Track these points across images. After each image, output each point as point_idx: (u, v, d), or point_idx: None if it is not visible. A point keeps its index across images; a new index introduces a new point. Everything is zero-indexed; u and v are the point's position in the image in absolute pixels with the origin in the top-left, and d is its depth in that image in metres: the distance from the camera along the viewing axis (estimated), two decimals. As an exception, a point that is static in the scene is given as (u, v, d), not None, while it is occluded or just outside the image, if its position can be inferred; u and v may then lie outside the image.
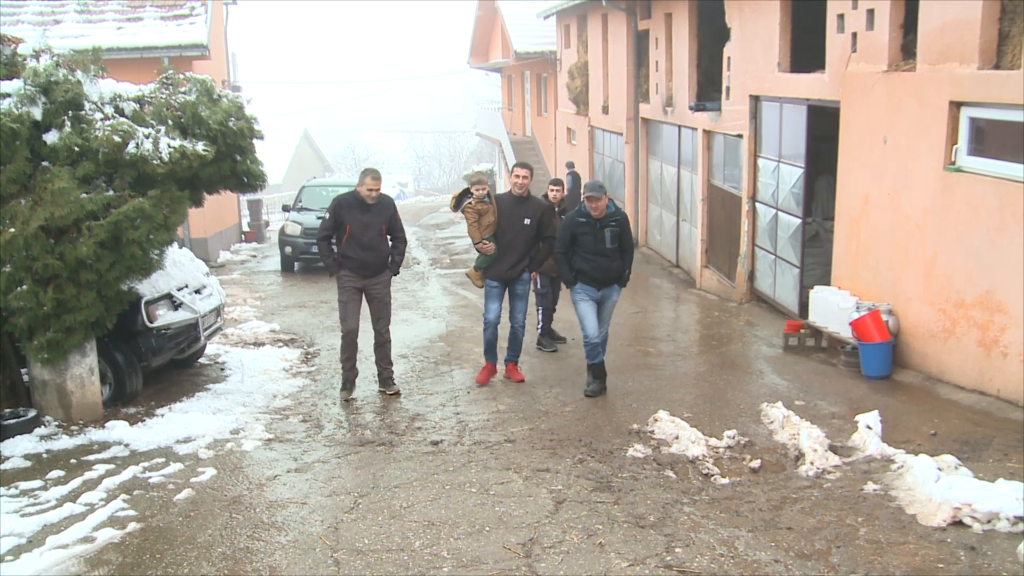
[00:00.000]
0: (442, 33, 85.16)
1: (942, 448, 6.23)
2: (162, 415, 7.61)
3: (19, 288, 6.86)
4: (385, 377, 8.37)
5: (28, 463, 6.55)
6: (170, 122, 7.62)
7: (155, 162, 7.27)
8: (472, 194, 8.40)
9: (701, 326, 11.95)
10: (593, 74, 21.81)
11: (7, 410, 7.25)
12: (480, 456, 6.37)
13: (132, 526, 5.26)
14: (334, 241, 8.22)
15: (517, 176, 8.45)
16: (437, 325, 11.70)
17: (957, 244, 8.01)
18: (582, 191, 7.70)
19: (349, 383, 8.29)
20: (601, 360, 8.18)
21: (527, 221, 8.32)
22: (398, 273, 8.49)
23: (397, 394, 8.23)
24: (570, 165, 23.01)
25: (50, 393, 7.37)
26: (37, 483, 6.11)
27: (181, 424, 7.29)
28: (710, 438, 6.51)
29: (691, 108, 15.01)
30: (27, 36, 7.99)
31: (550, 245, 8.44)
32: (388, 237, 8.28)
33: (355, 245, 7.99)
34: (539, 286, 9.98)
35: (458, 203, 8.51)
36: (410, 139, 65.35)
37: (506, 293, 8.55)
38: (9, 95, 7.03)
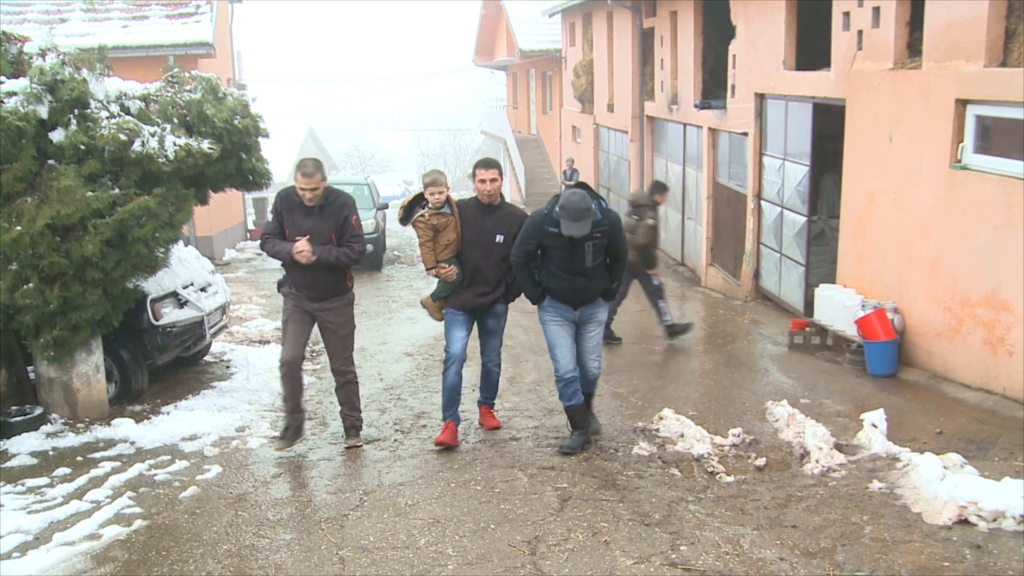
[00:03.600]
0: (447, 31, 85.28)
1: (948, 446, 6.22)
2: (168, 413, 7.62)
3: (25, 286, 6.88)
4: (349, 426, 6.66)
5: (34, 460, 6.57)
6: (175, 120, 7.64)
7: (161, 160, 7.29)
8: (426, 201, 6.38)
9: (706, 324, 11.93)
10: (598, 72, 21.80)
11: (13, 408, 7.27)
12: (485, 454, 6.37)
13: (138, 523, 5.27)
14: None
15: (482, 181, 6.34)
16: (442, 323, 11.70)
17: (963, 242, 7.99)
18: (558, 203, 5.95)
19: (291, 430, 6.50)
20: (580, 401, 6.32)
21: (500, 238, 6.34)
22: (322, 256, 6.24)
23: (357, 447, 6.59)
24: (570, 161, 23.01)
25: (56, 391, 7.39)
26: (43, 480, 6.13)
27: (187, 422, 7.31)
28: (715, 436, 6.50)
29: (696, 106, 15.00)
30: (33, 35, 8.00)
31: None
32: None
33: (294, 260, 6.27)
34: (656, 281, 10.01)
35: (408, 214, 6.46)
36: (415, 137, 65.38)
37: (475, 326, 6.69)
38: (15, 93, 7.05)
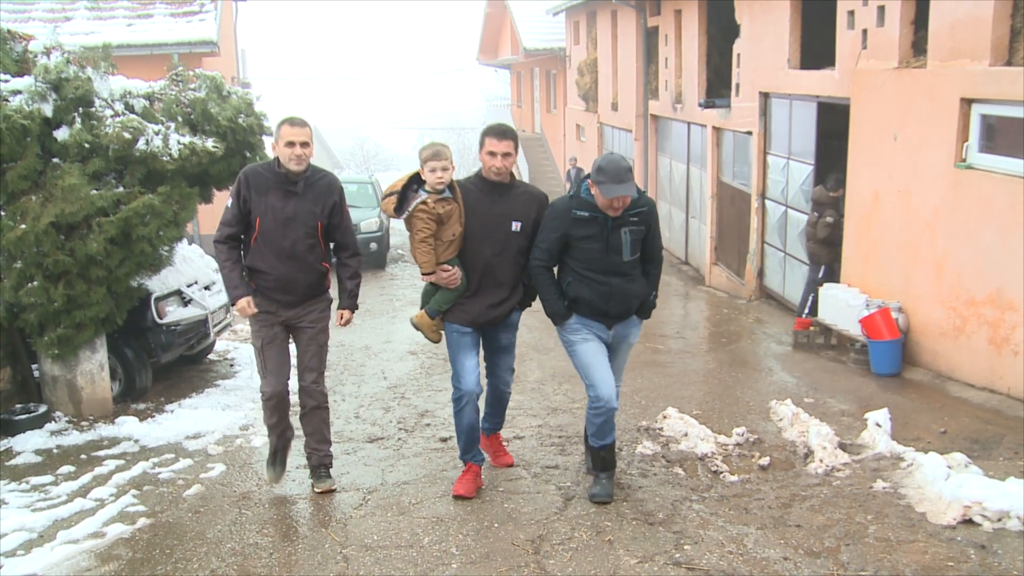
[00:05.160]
0: (451, 30, 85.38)
1: (952, 446, 6.21)
2: (172, 411, 7.63)
3: (30, 284, 6.89)
4: (316, 463, 5.56)
5: (39, 458, 6.58)
6: (180, 119, 7.65)
7: (165, 158, 7.29)
8: (424, 185, 4.99)
9: (710, 323, 11.93)
10: (602, 71, 21.78)
11: (18, 405, 7.29)
12: (489, 453, 6.36)
13: (142, 521, 5.27)
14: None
15: (492, 153, 4.96)
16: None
17: (967, 241, 7.97)
18: (591, 171, 4.91)
19: (279, 453, 5.62)
20: (613, 440, 5.26)
21: (516, 226, 5.05)
22: (356, 307, 5.49)
23: (330, 491, 5.52)
24: (573, 160, 22.96)
25: (60, 389, 7.40)
26: (48, 478, 6.14)
27: (191, 420, 7.32)
28: (719, 435, 6.49)
29: (700, 105, 14.99)
30: (38, 33, 8.02)
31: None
32: (326, 246, 5.30)
33: (267, 251, 5.10)
34: (820, 274, 10.35)
35: (402, 203, 5.02)
36: (419, 136, 65.35)
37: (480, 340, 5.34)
38: (20, 92, 7.06)
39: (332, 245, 5.39)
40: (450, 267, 5.04)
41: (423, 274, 5.06)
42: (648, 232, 5.03)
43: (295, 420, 5.65)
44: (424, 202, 4.92)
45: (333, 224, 5.25)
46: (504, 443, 6.01)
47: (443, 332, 5.26)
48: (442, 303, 5.13)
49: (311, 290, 5.25)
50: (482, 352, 5.43)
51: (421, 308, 5.28)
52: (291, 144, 4.98)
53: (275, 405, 5.39)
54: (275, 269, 5.11)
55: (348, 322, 5.44)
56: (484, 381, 5.51)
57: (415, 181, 5.03)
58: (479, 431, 5.43)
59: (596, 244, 4.91)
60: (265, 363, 5.32)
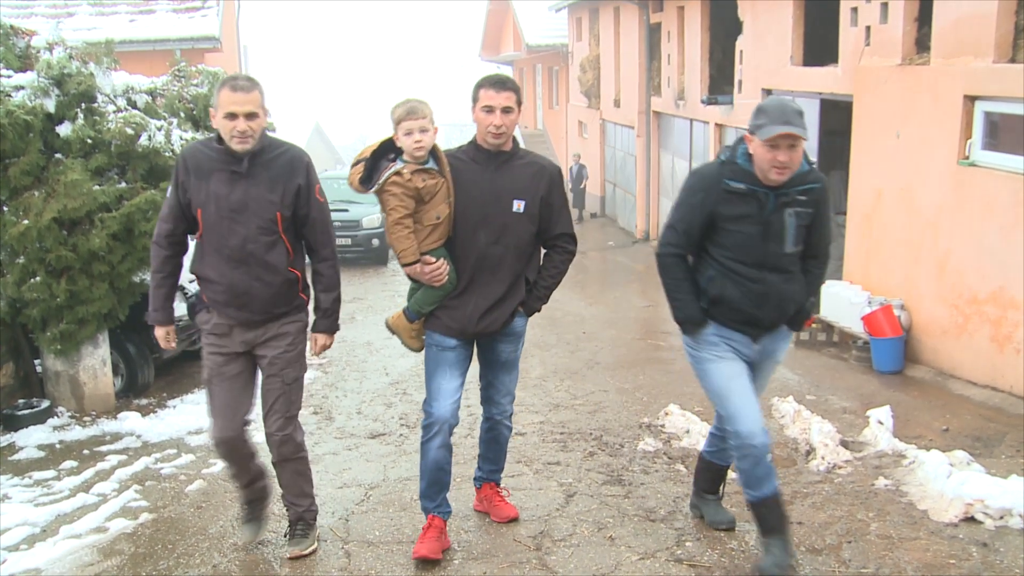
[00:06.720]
0: (454, 26, 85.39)
1: (954, 444, 6.21)
2: (174, 406, 7.65)
3: (32, 280, 6.90)
4: (294, 518, 4.44)
5: (42, 453, 6.59)
6: (182, 114, 7.66)
7: (167, 154, 7.30)
8: (401, 153, 3.95)
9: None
10: (605, 67, 21.77)
11: (20, 401, 7.30)
12: (490, 449, 6.35)
13: (144, 516, 5.28)
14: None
15: (488, 109, 3.94)
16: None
17: (970, 239, 7.97)
18: (750, 119, 3.89)
19: (254, 506, 4.55)
20: (774, 490, 4.00)
21: (519, 206, 4.01)
22: (335, 329, 4.29)
23: (302, 556, 4.40)
24: (576, 157, 22.95)
25: (63, 384, 7.41)
26: (51, 473, 6.15)
27: (192, 415, 7.32)
28: (721, 432, 6.48)
29: (703, 102, 14.98)
30: (40, 29, 8.02)
31: (570, 253, 4.24)
32: (296, 244, 4.04)
33: (213, 252, 3.99)
34: None
35: (370, 173, 3.96)
36: (420, 132, 65.34)
37: (474, 355, 4.33)
38: (23, 87, 7.06)
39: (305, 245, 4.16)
40: (433, 259, 4.02)
41: (403, 265, 4.00)
42: (817, 217, 3.87)
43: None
44: (398, 172, 3.87)
45: (300, 216, 3.98)
46: (505, 493, 4.90)
47: (422, 342, 4.26)
48: (424, 303, 4.14)
49: (274, 304, 4.00)
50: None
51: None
52: (232, 116, 3.74)
53: (227, 453, 4.21)
54: (223, 276, 3.95)
55: (324, 349, 4.29)
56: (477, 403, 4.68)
57: (390, 148, 3.99)
58: (449, 475, 4.30)
59: (752, 228, 3.77)
60: (212, 400, 4.10)
